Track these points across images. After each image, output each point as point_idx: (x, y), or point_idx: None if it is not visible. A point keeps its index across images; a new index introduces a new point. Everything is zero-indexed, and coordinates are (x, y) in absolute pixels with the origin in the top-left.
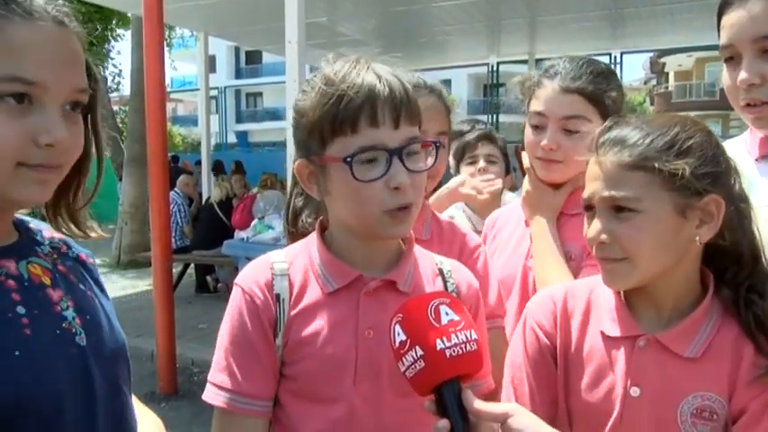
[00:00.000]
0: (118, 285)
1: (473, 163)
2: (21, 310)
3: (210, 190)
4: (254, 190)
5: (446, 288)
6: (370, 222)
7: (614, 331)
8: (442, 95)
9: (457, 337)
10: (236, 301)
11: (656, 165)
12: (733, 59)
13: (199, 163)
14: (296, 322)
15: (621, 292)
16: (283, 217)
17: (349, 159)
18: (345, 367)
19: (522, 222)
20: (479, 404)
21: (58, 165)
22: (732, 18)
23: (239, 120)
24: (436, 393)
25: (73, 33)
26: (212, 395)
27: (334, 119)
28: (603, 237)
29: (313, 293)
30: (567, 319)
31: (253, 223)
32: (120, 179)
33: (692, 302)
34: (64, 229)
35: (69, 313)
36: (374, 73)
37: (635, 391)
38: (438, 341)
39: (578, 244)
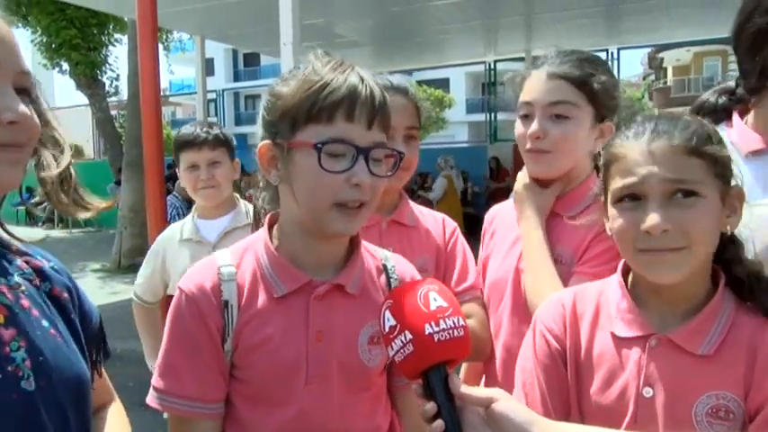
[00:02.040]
0: (118, 289)
1: None
2: None
3: None
4: (251, 191)
5: (388, 283)
6: (320, 215)
7: (625, 332)
8: (409, 94)
9: (445, 322)
10: (179, 305)
11: (708, 150)
12: None
13: None
14: (247, 328)
15: (630, 292)
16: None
17: (320, 146)
18: (297, 370)
19: (516, 224)
20: (465, 388)
21: (24, 143)
22: None
23: (238, 122)
24: (424, 377)
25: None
26: (157, 401)
27: (313, 105)
28: (668, 225)
29: (263, 298)
30: (576, 322)
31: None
32: (119, 183)
33: (703, 299)
34: (71, 211)
35: (19, 354)
36: (358, 74)
37: (648, 392)
38: (427, 326)
39: (570, 248)
